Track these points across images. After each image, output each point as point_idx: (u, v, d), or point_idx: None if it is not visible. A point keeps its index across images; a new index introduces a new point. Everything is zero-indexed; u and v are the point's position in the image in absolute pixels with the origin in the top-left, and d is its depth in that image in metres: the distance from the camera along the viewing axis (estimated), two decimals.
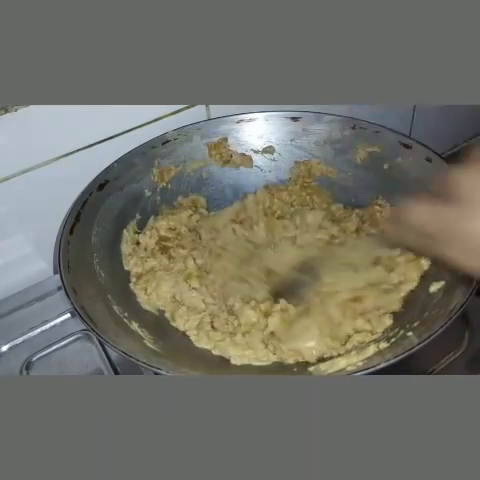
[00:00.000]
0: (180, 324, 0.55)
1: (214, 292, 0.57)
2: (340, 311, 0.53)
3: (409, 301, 0.52)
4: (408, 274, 0.54)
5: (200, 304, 0.56)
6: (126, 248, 0.61)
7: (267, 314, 0.53)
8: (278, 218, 0.66)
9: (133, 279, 0.59)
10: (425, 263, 0.54)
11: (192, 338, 0.53)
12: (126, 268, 0.60)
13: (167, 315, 0.56)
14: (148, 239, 0.62)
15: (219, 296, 0.57)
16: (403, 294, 0.53)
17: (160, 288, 0.57)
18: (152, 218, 0.65)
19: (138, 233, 0.63)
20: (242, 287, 0.58)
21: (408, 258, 0.55)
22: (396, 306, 0.52)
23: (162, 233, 0.63)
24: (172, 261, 0.61)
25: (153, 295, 0.57)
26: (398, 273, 0.54)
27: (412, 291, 0.53)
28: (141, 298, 0.57)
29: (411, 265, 0.54)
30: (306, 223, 0.64)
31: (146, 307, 0.56)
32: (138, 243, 0.62)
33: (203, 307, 0.56)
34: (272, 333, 0.52)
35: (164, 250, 0.62)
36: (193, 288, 0.57)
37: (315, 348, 0.50)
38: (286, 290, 0.57)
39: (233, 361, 0.51)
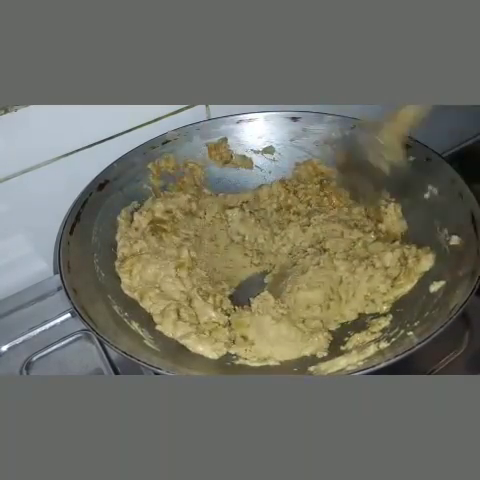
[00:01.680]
0: (147, 305, 0.54)
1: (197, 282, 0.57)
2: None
3: (409, 301, 0.52)
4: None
5: (175, 294, 0.56)
6: (119, 235, 0.60)
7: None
8: (293, 214, 0.66)
9: (117, 263, 0.57)
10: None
11: (156, 321, 0.53)
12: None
13: (136, 295, 0.55)
14: (142, 218, 0.61)
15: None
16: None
17: (145, 271, 0.56)
18: (150, 199, 0.64)
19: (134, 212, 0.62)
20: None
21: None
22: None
23: (157, 215, 0.63)
24: (162, 245, 0.60)
25: (136, 278, 0.56)
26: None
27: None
28: (124, 282, 0.56)
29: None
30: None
31: (127, 292, 0.55)
32: (132, 222, 0.61)
33: (176, 297, 0.55)
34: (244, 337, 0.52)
35: (155, 231, 0.61)
36: (178, 276, 0.56)
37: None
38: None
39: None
